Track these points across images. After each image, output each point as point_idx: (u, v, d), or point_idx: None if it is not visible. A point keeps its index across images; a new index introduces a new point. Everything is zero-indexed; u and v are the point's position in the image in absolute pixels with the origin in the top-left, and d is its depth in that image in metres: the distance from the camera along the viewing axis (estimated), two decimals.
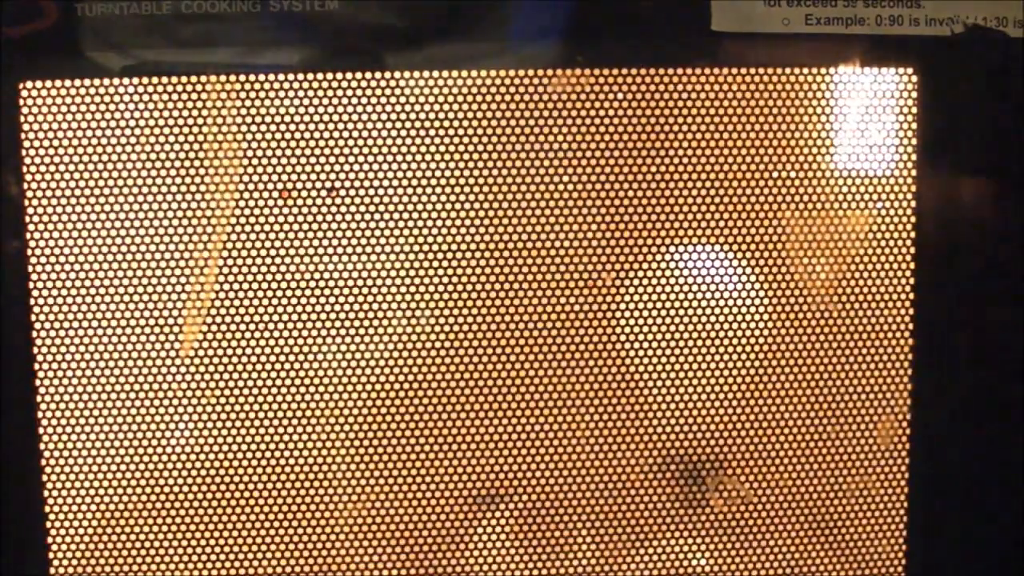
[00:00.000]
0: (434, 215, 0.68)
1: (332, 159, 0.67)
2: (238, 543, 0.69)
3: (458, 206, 0.68)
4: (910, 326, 0.70)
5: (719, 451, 0.72)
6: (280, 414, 0.69)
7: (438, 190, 0.68)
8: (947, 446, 0.71)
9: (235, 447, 0.69)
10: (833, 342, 0.71)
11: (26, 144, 0.66)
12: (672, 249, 0.69)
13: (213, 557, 0.69)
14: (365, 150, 0.67)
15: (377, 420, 0.70)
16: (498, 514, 0.71)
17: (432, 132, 0.68)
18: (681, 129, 0.68)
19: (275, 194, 0.67)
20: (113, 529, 0.69)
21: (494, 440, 0.69)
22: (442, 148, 0.68)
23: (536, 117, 0.68)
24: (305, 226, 0.67)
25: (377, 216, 0.67)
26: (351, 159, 0.67)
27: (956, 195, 0.70)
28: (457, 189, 0.68)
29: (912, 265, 0.70)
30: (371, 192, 0.67)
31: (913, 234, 0.70)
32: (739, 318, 0.70)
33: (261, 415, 0.69)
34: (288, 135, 0.66)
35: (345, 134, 0.67)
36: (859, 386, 0.71)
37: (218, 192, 0.67)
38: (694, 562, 0.72)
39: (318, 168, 0.67)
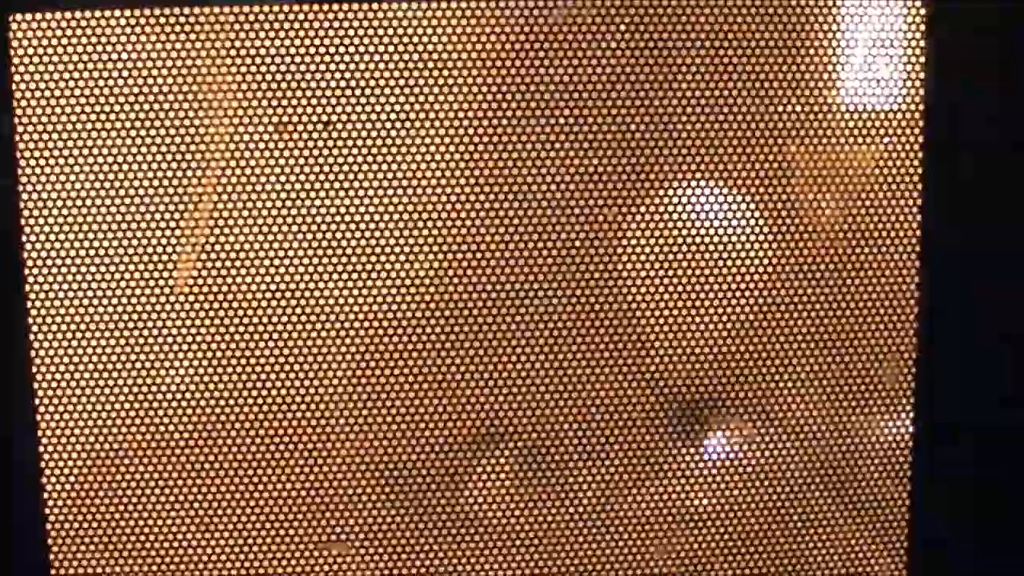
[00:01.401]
0: (431, 147, 0.68)
1: (328, 92, 0.66)
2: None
3: (456, 138, 0.68)
4: (916, 263, 0.70)
5: (721, 390, 0.71)
6: (278, 355, 0.68)
7: (436, 122, 0.67)
8: (953, 380, 0.71)
9: (228, 384, 0.69)
10: (839, 279, 0.70)
11: (16, 79, 0.65)
12: (675, 183, 0.69)
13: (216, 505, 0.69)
14: (362, 83, 0.66)
15: (377, 359, 0.69)
16: (497, 454, 0.71)
17: (429, 63, 0.67)
18: (684, 60, 0.67)
19: (271, 128, 0.66)
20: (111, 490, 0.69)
21: (493, 379, 0.69)
22: (440, 79, 0.67)
23: (537, 48, 0.66)
24: (301, 160, 0.66)
25: (375, 149, 0.67)
26: (347, 92, 0.66)
27: (966, 127, 0.69)
28: (455, 121, 0.67)
29: (919, 202, 0.70)
30: (368, 125, 0.66)
31: (920, 169, 0.70)
32: (742, 254, 0.70)
33: (260, 356, 0.68)
34: (283, 68, 0.65)
35: (342, 66, 0.66)
36: (865, 323, 0.70)
37: (212, 127, 0.66)
38: (695, 501, 0.72)
39: (314, 101, 0.66)
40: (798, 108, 0.69)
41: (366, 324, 0.69)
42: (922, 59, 0.69)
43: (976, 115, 0.69)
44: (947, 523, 0.72)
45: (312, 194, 0.67)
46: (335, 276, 0.68)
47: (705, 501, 0.72)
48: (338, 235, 0.67)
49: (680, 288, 0.69)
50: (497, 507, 0.71)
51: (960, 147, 0.69)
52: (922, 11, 0.68)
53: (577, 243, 0.69)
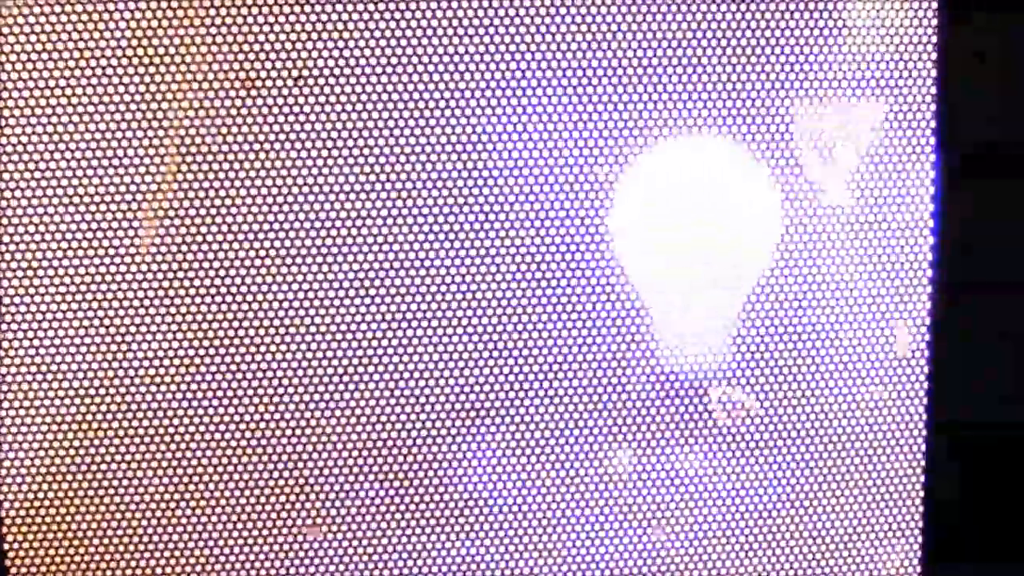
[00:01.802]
0: (415, 109, 0.66)
1: (294, 50, 0.64)
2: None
3: (448, 100, 0.66)
4: (928, 239, 0.69)
5: (724, 363, 0.70)
6: (252, 336, 0.67)
7: (421, 89, 0.65)
8: (966, 378, 0.70)
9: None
10: (849, 248, 0.69)
11: None
12: (676, 149, 0.68)
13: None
14: (329, 40, 0.64)
15: (364, 331, 0.67)
16: (495, 426, 0.69)
17: (425, 38, 0.65)
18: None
19: (236, 84, 0.64)
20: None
21: (488, 351, 0.68)
22: (437, 59, 0.65)
23: (536, 26, 0.65)
24: (271, 119, 0.64)
25: (348, 106, 0.65)
26: (314, 51, 0.64)
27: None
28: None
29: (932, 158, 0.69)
30: (338, 83, 0.65)
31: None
32: (748, 222, 0.69)
33: (233, 340, 0.67)
34: (249, 22, 0.64)
35: (307, 26, 0.64)
36: (875, 291, 0.69)
37: (175, 84, 0.64)
38: (696, 476, 0.70)
39: (283, 56, 0.64)
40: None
41: (346, 302, 0.67)
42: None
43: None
44: (961, 520, 0.71)
45: (280, 152, 0.65)
46: (310, 257, 0.66)
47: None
48: (312, 199, 0.65)
49: (682, 256, 0.69)
50: (495, 480, 0.69)
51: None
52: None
53: (573, 211, 0.67)
